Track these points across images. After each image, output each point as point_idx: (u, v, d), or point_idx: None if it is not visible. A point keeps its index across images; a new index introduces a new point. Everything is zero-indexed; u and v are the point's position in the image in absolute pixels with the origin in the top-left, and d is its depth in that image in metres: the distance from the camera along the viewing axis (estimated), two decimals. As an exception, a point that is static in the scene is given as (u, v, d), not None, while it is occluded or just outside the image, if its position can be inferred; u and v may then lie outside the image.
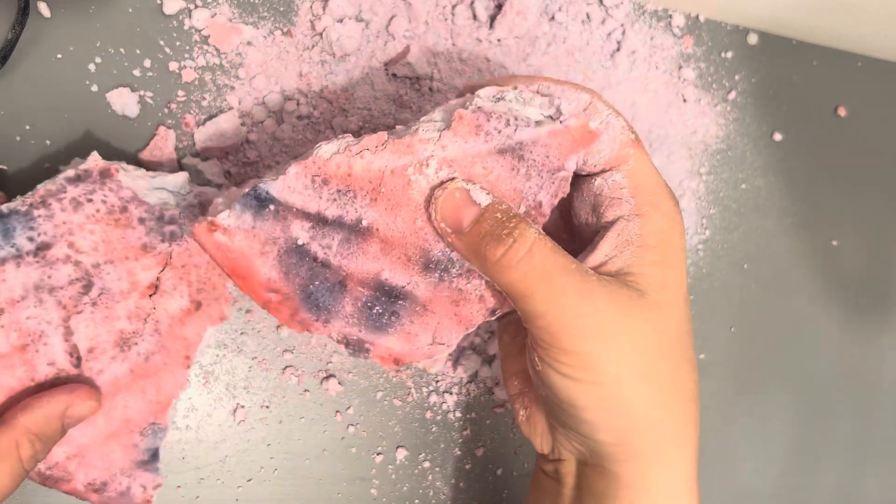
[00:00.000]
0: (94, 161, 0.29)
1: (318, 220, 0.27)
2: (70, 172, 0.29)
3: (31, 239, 0.29)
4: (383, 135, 0.27)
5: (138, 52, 0.34)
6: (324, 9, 0.36)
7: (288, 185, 0.27)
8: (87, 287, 0.29)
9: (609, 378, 0.26)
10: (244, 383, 0.36)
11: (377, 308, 0.28)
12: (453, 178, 0.27)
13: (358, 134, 0.36)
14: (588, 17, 0.40)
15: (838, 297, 0.47)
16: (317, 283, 0.28)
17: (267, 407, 0.36)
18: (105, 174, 0.29)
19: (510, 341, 0.34)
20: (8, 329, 0.28)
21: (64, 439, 0.29)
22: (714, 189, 0.44)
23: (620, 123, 0.28)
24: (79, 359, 0.29)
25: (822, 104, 0.47)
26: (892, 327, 0.48)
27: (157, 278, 0.30)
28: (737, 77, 0.45)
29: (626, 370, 0.26)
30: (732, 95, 0.44)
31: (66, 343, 0.29)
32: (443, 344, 0.29)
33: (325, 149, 0.27)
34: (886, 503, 0.48)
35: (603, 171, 0.29)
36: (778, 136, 0.46)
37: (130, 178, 0.30)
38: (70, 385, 0.29)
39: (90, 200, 0.29)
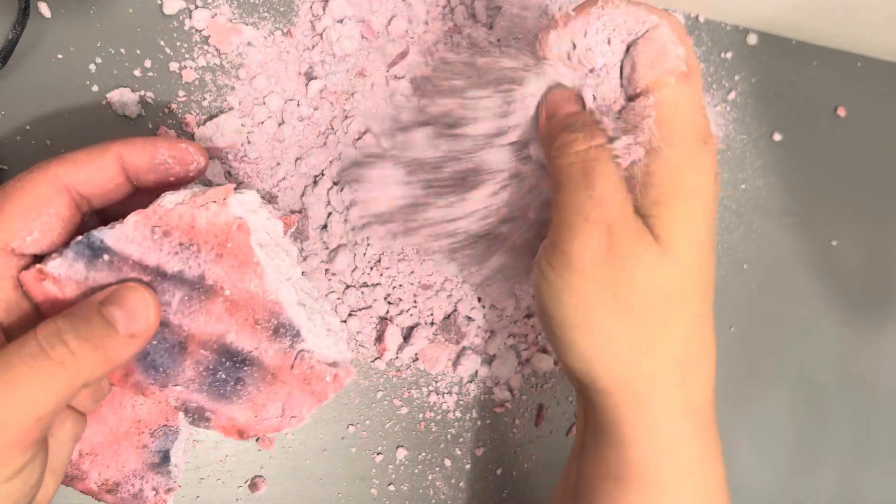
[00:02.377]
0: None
1: (158, 274, 0.26)
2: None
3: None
4: (230, 187, 0.26)
5: (139, 52, 0.34)
6: (324, 9, 0.36)
7: (125, 234, 0.25)
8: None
9: (591, 302, 0.27)
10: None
11: (220, 374, 0.27)
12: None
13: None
14: (588, 17, 0.40)
15: (838, 297, 0.47)
16: (153, 342, 0.26)
17: (267, 407, 0.36)
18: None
19: None
20: None
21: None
22: (714, 189, 0.44)
23: (677, 52, 0.28)
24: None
25: (822, 104, 0.47)
26: (892, 327, 0.48)
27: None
28: (736, 77, 0.45)
29: (611, 300, 0.27)
30: (732, 96, 0.44)
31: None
32: (294, 417, 0.28)
33: (169, 199, 0.26)
34: (886, 503, 0.48)
35: (639, 95, 0.28)
36: (778, 137, 0.46)
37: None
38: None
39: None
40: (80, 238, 0.26)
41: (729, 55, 0.44)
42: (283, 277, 0.28)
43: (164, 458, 0.31)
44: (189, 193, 0.26)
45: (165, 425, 0.30)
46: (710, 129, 0.29)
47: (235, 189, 0.27)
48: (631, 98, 0.29)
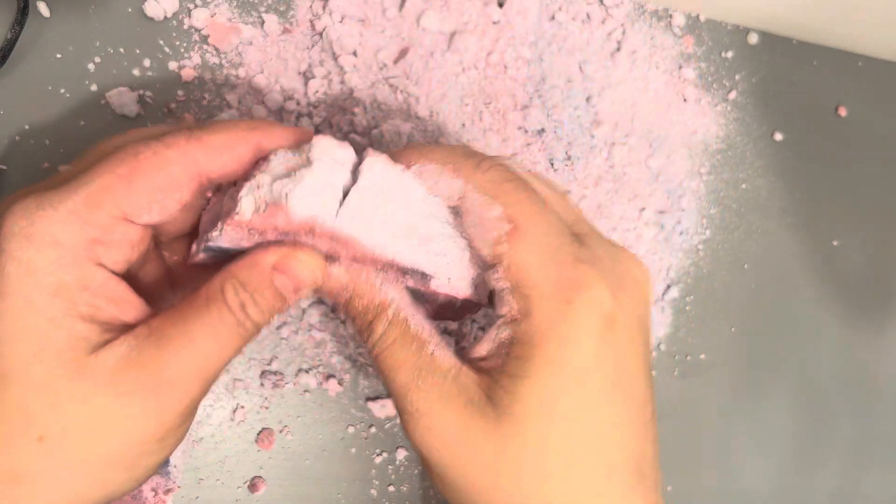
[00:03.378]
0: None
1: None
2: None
3: None
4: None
5: (138, 51, 0.34)
6: (324, 8, 0.36)
7: (228, 238, 0.25)
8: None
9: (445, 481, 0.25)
10: (244, 384, 0.36)
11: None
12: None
13: (366, 134, 0.36)
14: (588, 16, 0.40)
15: (838, 297, 0.47)
16: None
17: (267, 408, 0.36)
18: None
19: None
20: None
21: None
22: (714, 189, 0.44)
23: (493, 214, 0.25)
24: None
25: (823, 104, 0.47)
26: (892, 327, 0.48)
27: None
28: (737, 77, 0.45)
29: (462, 482, 0.25)
30: (733, 95, 0.44)
31: None
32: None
33: (245, 206, 0.24)
34: (886, 503, 0.48)
35: (493, 265, 0.25)
36: (778, 136, 0.46)
37: None
38: None
39: None
40: (200, 256, 0.26)
41: (729, 55, 0.44)
42: (385, 231, 0.26)
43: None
44: (261, 200, 0.25)
45: None
46: (581, 275, 0.24)
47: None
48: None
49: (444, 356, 0.25)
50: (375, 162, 0.26)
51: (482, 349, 0.25)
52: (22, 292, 0.22)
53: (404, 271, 0.26)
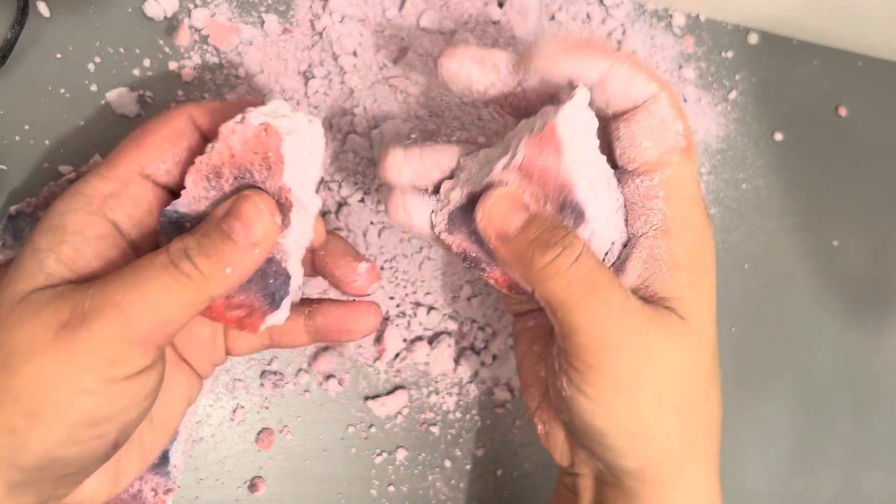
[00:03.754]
0: (95, 160, 0.29)
1: None
2: (72, 174, 0.29)
3: None
4: (246, 101, 0.27)
5: (138, 51, 0.34)
6: (323, 8, 0.36)
7: (191, 195, 0.26)
8: None
9: (641, 406, 0.26)
10: (244, 384, 0.36)
11: None
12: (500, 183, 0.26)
13: (365, 135, 0.36)
14: (588, 16, 0.40)
15: (838, 297, 0.47)
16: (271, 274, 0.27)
17: (267, 408, 0.36)
18: None
19: (526, 350, 0.32)
20: None
21: None
22: (714, 189, 0.44)
23: (676, 128, 0.27)
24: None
25: (823, 104, 0.47)
26: (892, 327, 0.48)
27: None
28: (737, 77, 0.45)
29: (658, 399, 0.26)
30: (733, 95, 0.44)
31: None
32: None
33: (209, 145, 0.26)
34: (886, 503, 0.48)
35: (642, 173, 0.27)
36: (778, 136, 0.46)
37: None
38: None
39: None
40: (160, 220, 0.26)
41: (730, 54, 0.44)
42: (574, 159, 0.27)
43: (164, 458, 0.31)
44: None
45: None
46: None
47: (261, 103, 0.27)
48: (622, 175, 0.28)
49: (632, 296, 0.27)
50: (582, 96, 0.26)
51: (629, 277, 0.27)
52: (34, 229, 0.25)
53: (569, 205, 0.26)
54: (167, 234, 0.26)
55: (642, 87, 0.27)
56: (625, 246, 0.28)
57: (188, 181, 0.26)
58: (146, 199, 0.26)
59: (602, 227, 0.27)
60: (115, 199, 0.26)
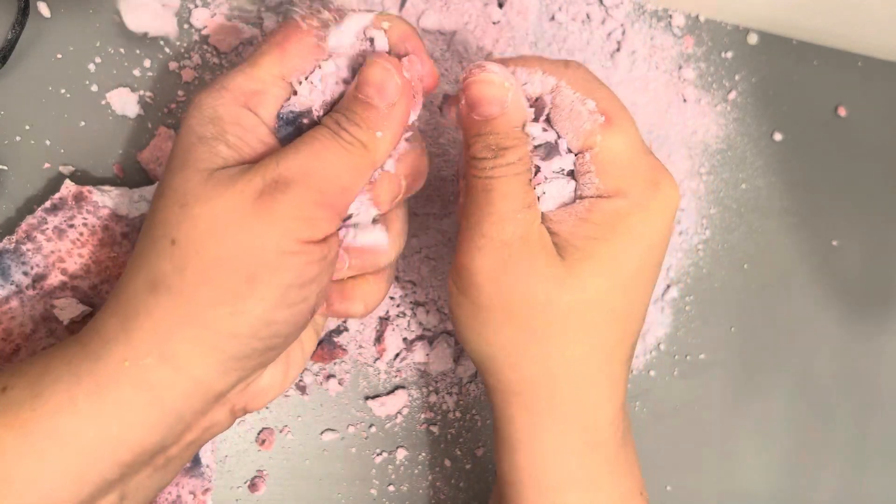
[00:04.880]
0: (67, 188, 0.30)
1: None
2: (47, 203, 0.30)
3: (25, 273, 0.29)
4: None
5: (138, 51, 0.34)
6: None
7: (305, 93, 0.27)
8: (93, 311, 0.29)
9: (500, 334, 0.28)
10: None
11: None
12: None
13: None
14: (588, 17, 0.40)
15: (838, 297, 0.47)
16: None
17: (267, 407, 0.36)
18: (80, 198, 0.30)
19: None
20: None
21: None
22: (714, 189, 0.44)
23: (588, 108, 0.28)
24: None
25: (822, 104, 0.47)
26: (892, 327, 0.48)
27: None
28: (737, 77, 0.45)
29: (500, 326, 0.28)
30: (732, 95, 0.44)
31: None
32: None
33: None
34: (886, 503, 0.48)
35: (577, 153, 0.28)
36: (778, 136, 0.46)
37: (109, 197, 0.30)
38: None
39: (72, 226, 0.30)
40: (277, 122, 0.27)
41: (729, 55, 0.44)
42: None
43: (195, 461, 0.31)
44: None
45: None
46: (660, 168, 0.28)
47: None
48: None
49: (538, 207, 0.28)
50: None
51: (556, 216, 0.28)
52: (189, 123, 0.26)
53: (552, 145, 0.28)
54: (285, 135, 0.27)
55: (540, 86, 0.29)
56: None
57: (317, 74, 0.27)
58: (285, 98, 0.28)
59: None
60: (259, 97, 0.27)
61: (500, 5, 0.38)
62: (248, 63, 0.27)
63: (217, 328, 0.24)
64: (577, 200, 0.28)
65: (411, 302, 0.38)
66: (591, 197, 0.28)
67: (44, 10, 0.32)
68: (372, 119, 0.26)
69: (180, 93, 0.34)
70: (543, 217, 0.28)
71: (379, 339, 0.37)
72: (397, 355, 0.37)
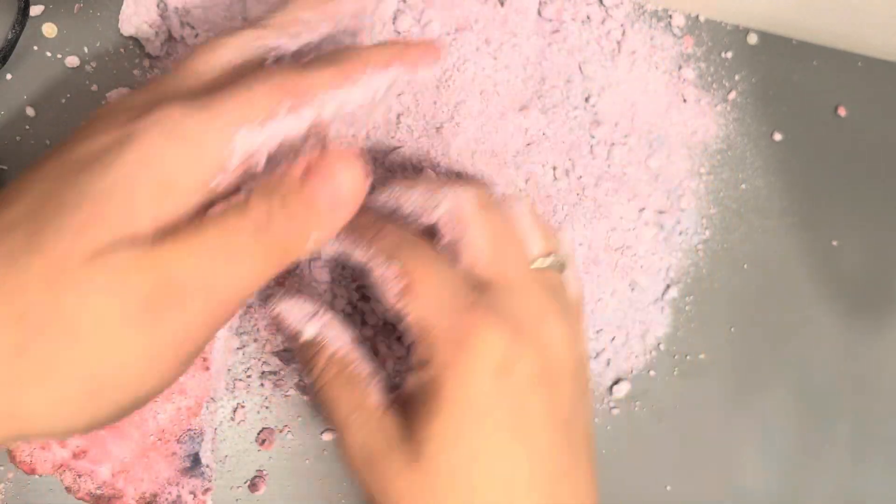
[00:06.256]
0: None
1: None
2: None
3: None
4: None
5: (138, 52, 0.34)
6: (324, 9, 0.36)
7: None
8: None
9: None
10: (244, 384, 0.36)
11: None
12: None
13: None
14: (588, 17, 0.40)
15: (838, 297, 0.47)
16: None
17: (267, 407, 0.36)
18: None
19: None
20: None
21: (104, 457, 0.29)
22: (714, 189, 0.44)
23: (391, 273, 0.27)
24: None
25: (823, 104, 0.47)
26: (892, 327, 0.48)
27: None
28: (737, 77, 0.45)
29: None
30: (732, 95, 0.44)
31: None
32: None
33: None
34: (886, 503, 0.48)
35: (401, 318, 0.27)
36: (778, 136, 0.46)
37: None
38: None
39: None
40: None
41: (729, 55, 0.44)
42: None
43: (195, 460, 0.31)
44: None
45: (189, 430, 0.30)
46: (472, 322, 0.26)
47: None
48: None
49: (375, 397, 0.27)
50: None
51: (405, 392, 0.27)
52: (138, 146, 0.21)
53: None
54: None
55: (358, 252, 0.28)
56: None
57: None
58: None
59: None
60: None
61: (501, 4, 0.38)
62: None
63: None
64: (411, 374, 0.27)
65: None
66: (417, 368, 0.26)
67: (40, 10, 0.33)
68: (312, 220, 0.22)
69: (180, 93, 0.34)
70: (401, 400, 0.27)
71: (376, 353, 0.37)
72: (397, 356, 0.37)
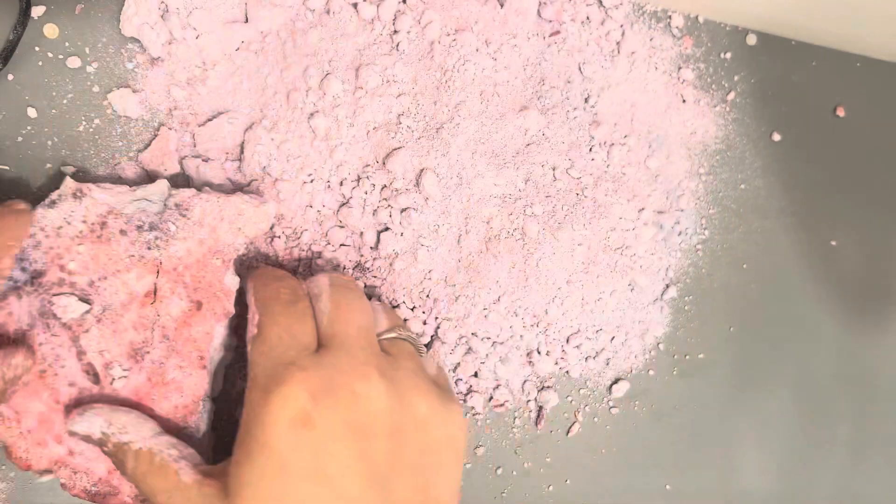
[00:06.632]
0: (67, 186, 0.30)
1: None
2: (45, 200, 0.30)
3: (24, 269, 0.29)
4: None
5: (138, 52, 0.34)
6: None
7: None
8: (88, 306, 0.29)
9: None
10: (245, 383, 0.36)
11: None
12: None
13: None
14: (587, 18, 0.41)
15: (838, 297, 0.47)
16: None
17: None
18: (79, 195, 0.30)
19: None
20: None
21: (100, 455, 0.30)
22: (713, 189, 0.44)
23: (252, 321, 0.30)
24: (96, 376, 0.30)
25: (822, 104, 0.47)
26: (891, 326, 0.48)
27: (154, 285, 0.30)
28: (736, 78, 0.45)
29: None
30: (732, 96, 0.44)
31: (81, 363, 0.30)
32: None
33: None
34: (885, 502, 0.48)
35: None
36: (777, 137, 0.46)
37: (110, 194, 0.30)
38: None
39: (69, 223, 0.29)
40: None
41: (728, 55, 0.44)
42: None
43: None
44: None
45: (185, 427, 0.31)
46: (282, 374, 0.27)
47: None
48: None
49: (188, 474, 0.28)
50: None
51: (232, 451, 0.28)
52: None
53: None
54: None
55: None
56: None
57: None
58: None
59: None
60: None
61: (501, 5, 0.38)
62: None
63: None
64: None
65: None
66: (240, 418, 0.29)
67: (42, 11, 0.33)
68: None
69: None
70: (208, 477, 0.28)
71: None
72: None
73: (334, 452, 0.27)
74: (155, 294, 0.30)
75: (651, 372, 0.43)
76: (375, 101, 0.36)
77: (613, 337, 0.41)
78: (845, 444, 0.47)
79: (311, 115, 0.35)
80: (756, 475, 0.45)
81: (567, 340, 0.40)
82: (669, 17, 0.43)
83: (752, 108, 0.45)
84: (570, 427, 0.41)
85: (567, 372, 0.41)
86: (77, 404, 0.29)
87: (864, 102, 0.48)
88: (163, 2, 0.34)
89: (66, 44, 0.33)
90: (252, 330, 0.29)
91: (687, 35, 0.43)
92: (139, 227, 0.30)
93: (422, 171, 0.36)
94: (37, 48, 0.33)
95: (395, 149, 0.36)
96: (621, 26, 0.41)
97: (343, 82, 0.36)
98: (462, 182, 0.37)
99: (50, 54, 0.33)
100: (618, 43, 0.41)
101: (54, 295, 0.29)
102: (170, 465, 0.28)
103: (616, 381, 0.42)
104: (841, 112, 0.47)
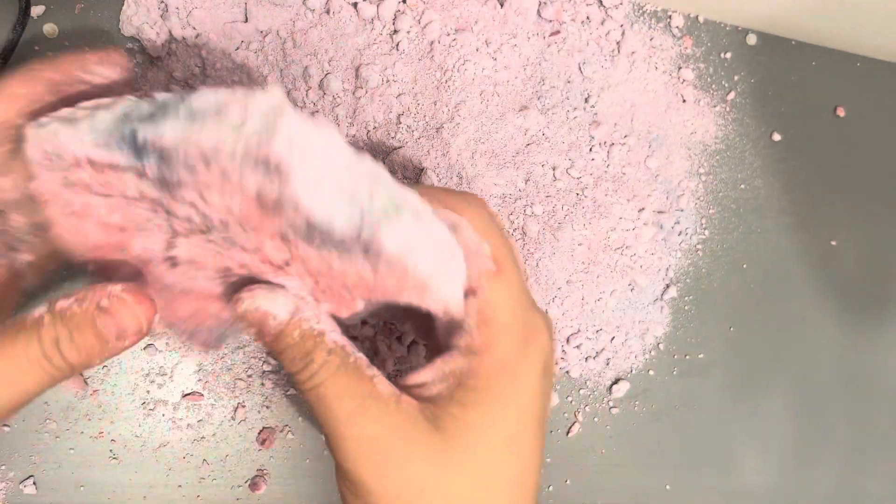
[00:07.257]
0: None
1: None
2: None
3: (161, 173, 0.23)
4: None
5: (138, 52, 0.34)
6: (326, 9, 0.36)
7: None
8: (207, 229, 0.24)
9: None
10: (245, 383, 0.36)
11: None
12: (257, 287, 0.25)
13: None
14: (587, 18, 0.41)
15: (838, 297, 0.47)
16: None
17: (268, 407, 0.36)
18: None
19: None
20: (111, 208, 0.25)
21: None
22: (713, 189, 0.44)
23: (483, 251, 0.26)
24: (175, 265, 0.26)
25: (822, 104, 0.47)
26: (890, 326, 0.48)
27: (287, 264, 0.25)
28: (736, 77, 0.45)
29: None
30: (731, 96, 0.44)
31: (166, 251, 0.26)
32: None
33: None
34: (886, 502, 0.48)
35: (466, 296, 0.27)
36: (777, 137, 0.46)
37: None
38: None
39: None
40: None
41: (728, 55, 0.44)
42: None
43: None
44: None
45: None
46: (535, 322, 0.27)
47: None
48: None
49: (383, 383, 0.25)
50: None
51: (422, 376, 0.26)
52: None
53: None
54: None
55: (445, 217, 0.26)
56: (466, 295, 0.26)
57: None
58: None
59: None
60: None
61: (501, 5, 0.38)
62: None
63: None
64: (448, 352, 0.26)
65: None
66: (462, 349, 0.26)
67: (41, 10, 0.33)
68: (97, 351, 0.24)
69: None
70: (411, 386, 0.26)
71: (375, 353, 0.37)
72: (398, 357, 0.38)
73: (548, 396, 0.27)
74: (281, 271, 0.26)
75: (651, 372, 0.43)
76: (375, 101, 0.36)
77: (613, 337, 0.41)
78: (844, 443, 0.47)
79: (311, 114, 0.35)
80: (756, 475, 0.45)
81: (567, 340, 0.40)
82: (669, 17, 0.43)
83: (751, 107, 0.45)
84: (570, 427, 0.41)
85: (567, 372, 0.41)
86: (134, 277, 0.26)
87: (864, 102, 0.48)
88: (163, 2, 0.34)
89: (66, 44, 0.33)
90: (486, 263, 0.26)
91: (687, 35, 0.43)
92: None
93: (422, 171, 0.36)
94: (36, 48, 0.33)
95: (395, 149, 0.36)
96: (621, 26, 0.41)
97: (343, 82, 0.36)
98: (462, 182, 0.37)
99: (50, 54, 0.33)
100: (618, 43, 0.41)
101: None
102: (364, 369, 0.25)
103: (616, 381, 0.42)
104: (841, 112, 0.47)
